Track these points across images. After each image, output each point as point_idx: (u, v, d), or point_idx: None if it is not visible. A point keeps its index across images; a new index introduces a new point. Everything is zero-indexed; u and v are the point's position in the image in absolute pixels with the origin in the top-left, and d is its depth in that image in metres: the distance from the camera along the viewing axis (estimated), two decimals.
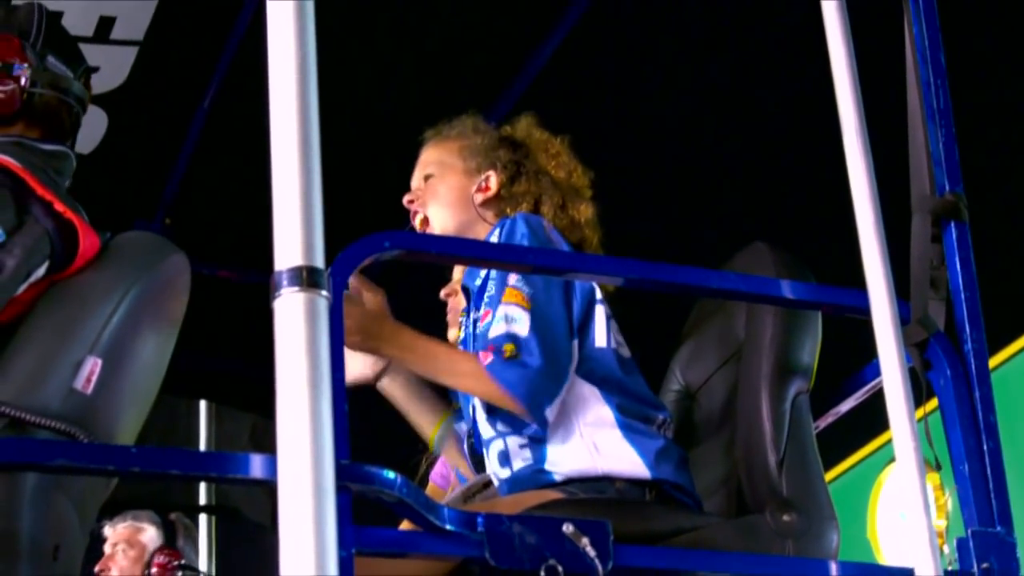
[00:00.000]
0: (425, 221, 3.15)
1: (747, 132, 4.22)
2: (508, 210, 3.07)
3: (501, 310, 2.80)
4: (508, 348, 2.75)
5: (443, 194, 3.14)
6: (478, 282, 3.00)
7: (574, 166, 3.18)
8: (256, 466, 2.10)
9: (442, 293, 3.39)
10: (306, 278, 1.80)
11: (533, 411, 2.75)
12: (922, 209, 2.72)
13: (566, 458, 2.78)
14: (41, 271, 2.43)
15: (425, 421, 3.25)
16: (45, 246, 2.44)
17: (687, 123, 4.28)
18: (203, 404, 6.32)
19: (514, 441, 2.83)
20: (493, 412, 2.85)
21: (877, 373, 2.47)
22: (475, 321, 2.96)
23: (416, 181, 3.21)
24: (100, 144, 4.29)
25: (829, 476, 5.50)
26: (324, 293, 1.81)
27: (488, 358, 2.76)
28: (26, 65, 2.66)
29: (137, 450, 2.10)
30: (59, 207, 2.47)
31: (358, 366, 3.14)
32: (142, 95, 4.20)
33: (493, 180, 3.13)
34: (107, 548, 5.14)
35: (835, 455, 5.50)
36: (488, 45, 4.22)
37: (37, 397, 2.31)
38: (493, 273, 2.93)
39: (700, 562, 2.52)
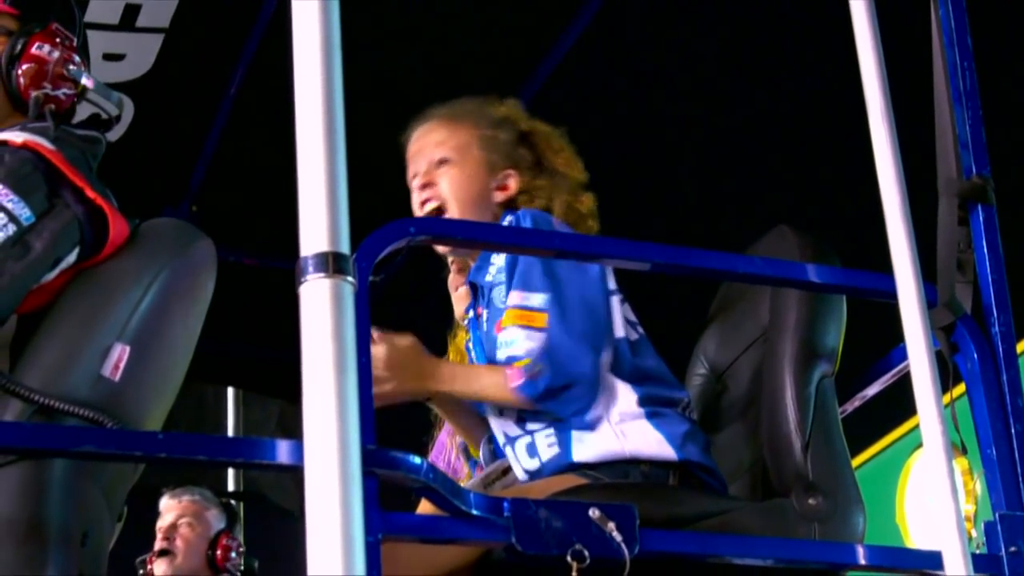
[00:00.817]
0: (438, 212, 3.03)
1: (773, 116, 4.21)
2: (518, 206, 3.02)
3: (511, 331, 2.79)
4: (528, 365, 2.75)
5: (463, 186, 3.03)
6: (488, 278, 2.97)
7: (575, 158, 3.13)
8: (283, 452, 2.10)
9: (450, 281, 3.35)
10: (332, 264, 1.80)
11: (576, 416, 2.76)
12: (949, 192, 2.71)
13: (593, 445, 2.77)
14: (72, 257, 2.44)
15: (475, 434, 3.20)
16: (75, 232, 2.44)
17: (712, 107, 4.27)
18: (230, 391, 6.34)
19: (541, 435, 2.83)
20: (520, 413, 2.85)
21: (904, 357, 2.46)
22: (487, 321, 2.95)
23: (424, 163, 3.07)
24: (126, 132, 4.29)
25: (858, 461, 5.51)
26: (350, 279, 1.81)
27: (517, 377, 2.75)
28: (84, 71, 2.70)
29: (164, 436, 2.11)
30: (90, 193, 2.47)
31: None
32: (168, 83, 4.21)
33: (514, 181, 3.05)
34: (168, 518, 5.05)
35: (864, 440, 5.49)
36: (517, 27, 4.20)
37: (65, 384, 2.31)
38: (501, 276, 2.91)
39: (726, 546, 2.52)
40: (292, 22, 1.89)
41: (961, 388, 2.64)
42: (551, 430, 2.81)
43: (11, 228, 2.35)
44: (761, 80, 4.13)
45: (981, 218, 2.70)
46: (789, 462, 2.76)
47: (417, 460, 2.18)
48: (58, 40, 2.66)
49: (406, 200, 4.03)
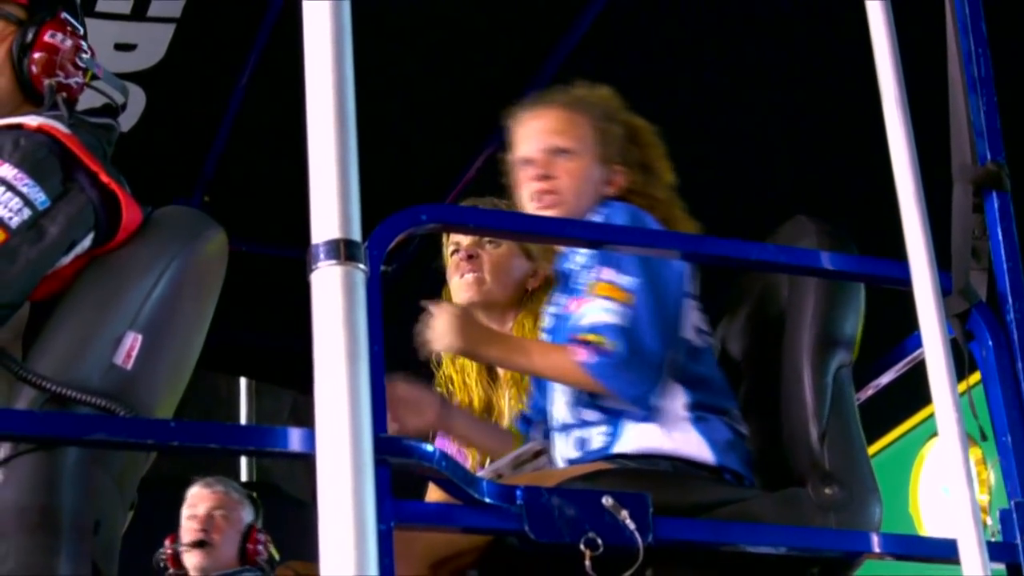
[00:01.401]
0: (553, 202, 2.97)
1: (787, 105, 4.20)
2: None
3: (595, 302, 2.78)
4: (601, 340, 2.73)
5: (581, 178, 2.97)
6: (571, 266, 2.97)
7: (662, 152, 3.09)
8: (295, 440, 2.10)
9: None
10: (343, 251, 1.81)
11: (637, 402, 2.75)
12: (963, 179, 2.70)
13: (636, 439, 2.77)
14: (86, 242, 2.44)
15: (496, 446, 3.19)
16: (89, 216, 2.43)
17: (726, 97, 4.27)
18: (243, 381, 6.35)
19: (595, 430, 2.82)
20: (580, 402, 2.84)
21: (918, 345, 2.46)
22: (563, 307, 2.95)
23: (540, 150, 3.00)
24: (138, 122, 4.30)
25: (871, 450, 5.49)
26: (361, 266, 1.81)
27: (583, 352, 2.73)
28: (100, 69, 2.71)
29: (176, 424, 2.10)
30: (104, 178, 2.46)
31: (418, 417, 3.07)
32: (180, 73, 4.21)
33: (621, 178, 3.00)
34: (201, 508, 5.01)
35: (877, 429, 5.48)
36: (533, 12, 4.19)
37: (78, 372, 2.31)
38: (584, 260, 2.91)
39: (742, 535, 2.52)
40: (303, 11, 1.89)
41: (977, 376, 2.63)
42: (606, 427, 2.81)
43: (26, 212, 2.35)
44: (776, 68, 4.12)
45: (996, 205, 2.68)
46: (806, 451, 2.75)
47: (429, 448, 2.17)
48: (69, 28, 2.66)
49: (418, 189, 4.06)
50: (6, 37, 2.62)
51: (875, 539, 2.59)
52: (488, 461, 3.30)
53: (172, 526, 5.02)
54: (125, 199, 2.48)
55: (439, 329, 2.83)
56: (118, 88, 2.74)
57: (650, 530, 2.38)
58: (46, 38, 2.62)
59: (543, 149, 2.99)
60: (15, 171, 2.37)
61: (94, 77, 2.69)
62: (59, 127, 2.49)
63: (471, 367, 3.43)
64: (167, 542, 4.99)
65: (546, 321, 3.08)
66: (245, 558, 4.97)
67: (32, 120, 2.49)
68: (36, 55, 2.61)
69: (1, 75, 2.61)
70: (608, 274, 2.80)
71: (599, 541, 2.34)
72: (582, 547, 2.33)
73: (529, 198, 2.98)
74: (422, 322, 2.87)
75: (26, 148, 2.41)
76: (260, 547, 5.00)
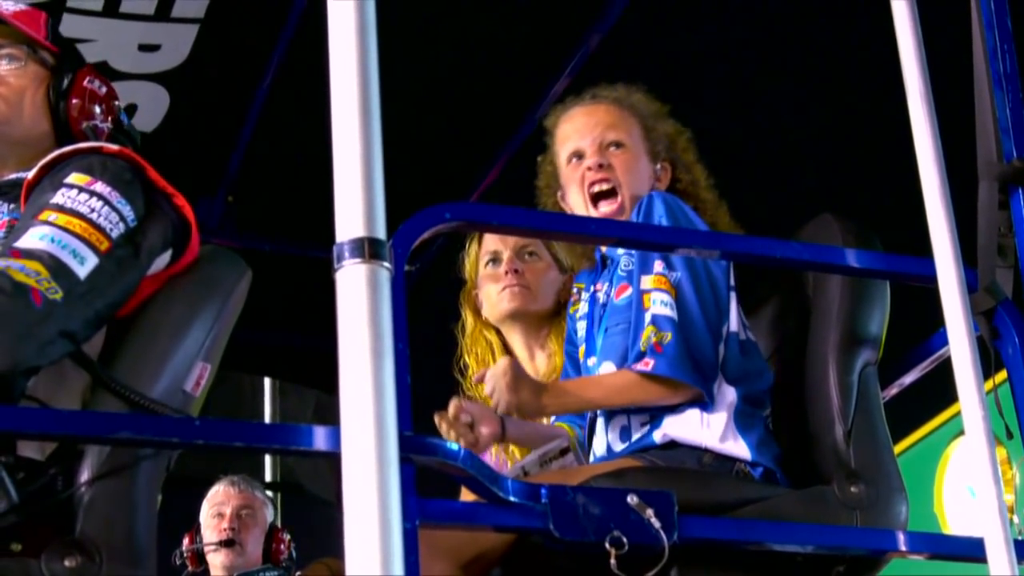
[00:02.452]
0: (611, 193, 3.01)
1: (811, 103, 4.18)
2: None
3: (662, 293, 2.78)
4: (661, 336, 2.74)
5: (635, 171, 3.03)
6: (619, 251, 2.99)
7: (696, 161, 3.16)
8: (320, 438, 2.10)
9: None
10: (368, 250, 1.80)
11: (707, 391, 2.76)
12: (989, 176, 2.69)
13: (674, 429, 2.78)
14: (165, 259, 2.50)
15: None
16: (169, 235, 2.51)
17: (750, 96, 4.25)
18: (267, 381, 6.36)
19: (637, 418, 2.83)
20: None
21: (944, 342, 2.45)
22: (605, 293, 2.96)
23: (594, 143, 3.05)
24: (162, 122, 4.30)
25: (896, 449, 5.48)
26: (386, 264, 1.81)
27: (645, 363, 2.74)
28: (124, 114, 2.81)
29: (201, 422, 2.11)
30: (179, 201, 2.55)
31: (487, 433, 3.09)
32: (203, 73, 4.21)
33: (667, 175, 3.08)
34: (227, 508, 5.02)
35: (902, 428, 5.46)
36: (558, 10, 4.18)
37: (152, 394, 2.36)
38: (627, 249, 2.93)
39: (767, 533, 2.51)
40: (328, 9, 1.88)
41: (1003, 375, 2.61)
42: (647, 414, 2.82)
43: (121, 227, 2.42)
44: (800, 65, 4.11)
45: (1022, 202, 2.67)
46: (831, 450, 2.75)
47: (454, 446, 2.17)
48: (100, 75, 2.76)
49: (444, 188, 4.04)
50: (43, 81, 2.70)
51: (901, 537, 2.59)
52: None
53: (188, 525, 5.04)
54: (194, 224, 2.56)
55: (499, 392, 2.82)
56: (135, 136, 2.84)
57: (675, 528, 2.38)
58: (84, 83, 2.71)
59: (597, 142, 3.05)
60: (109, 188, 2.44)
61: (118, 122, 2.77)
62: (134, 153, 2.57)
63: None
64: (187, 540, 5.00)
65: (581, 308, 3.09)
66: (269, 558, 4.98)
67: (112, 144, 2.57)
68: (74, 100, 2.69)
69: (41, 117, 2.69)
70: (659, 266, 2.83)
71: (624, 540, 2.34)
72: (607, 546, 2.34)
73: (584, 189, 3.02)
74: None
75: (114, 169, 2.48)
76: (283, 547, 5.01)
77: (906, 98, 2.53)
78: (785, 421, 2.89)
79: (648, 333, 2.77)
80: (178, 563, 4.98)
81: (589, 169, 3.02)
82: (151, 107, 4.23)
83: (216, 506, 5.02)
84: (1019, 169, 2.68)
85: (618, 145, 3.04)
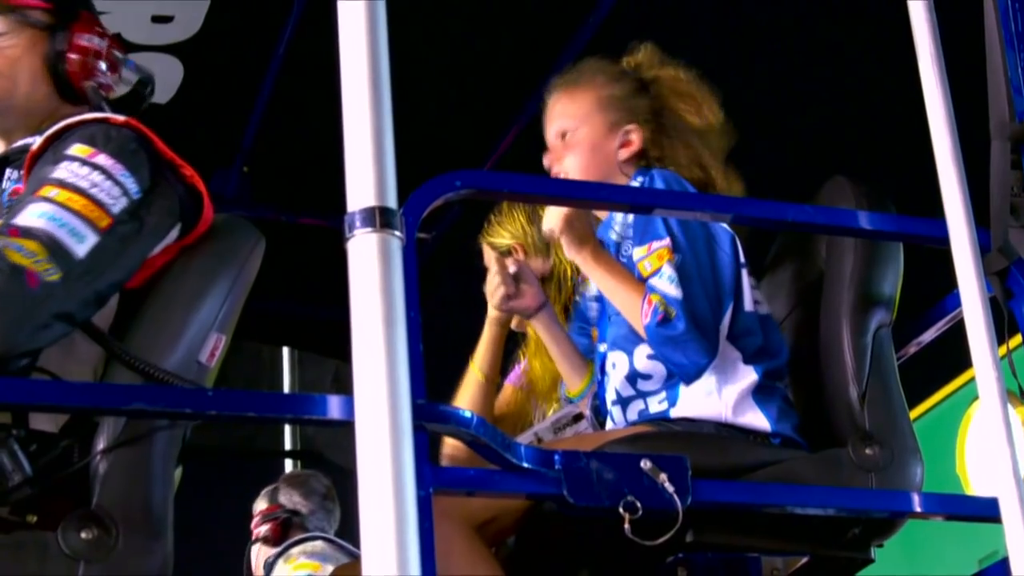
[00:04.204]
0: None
1: (822, 65, 4.17)
2: (651, 161, 3.03)
3: (668, 267, 2.77)
4: (662, 303, 2.73)
5: (583, 151, 3.03)
6: (612, 236, 2.99)
7: (706, 100, 3.11)
8: (334, 407, 2.11)
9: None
10: (379, 218, 1.81)
11: (684, 374, 2.77)
12: (1001, 136, 2.68)
13: (692, 406, 2.79)
14: (174, 233, 2.48)
15: (571, 367, 3.17)
16: (176, 209, 2.48)
17: (761, 60, 4.24)
18: (286, 351, 6.36)
19: (654, 398, 2.84)
20: (638, 375, 2.85)
21: (958, 303, 2.45)
22: None
23: (552, 137, 3.09)
24: (176, 94, 4.30)
25: (918, 411, 5.48)
26: (397, 233, 1.82)
27: (647, 311, 2.74)
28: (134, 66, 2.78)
29: (214, 393, 2.12)
30: (187, 171, 2.52)
31: (526, 300, 3.13)
32: (217, 44, 4.21)
33: (635, 136, 3.04)
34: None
35: (924, 389, 5.46)
36: None
37: (167, 366, 2.35)
38: (629, 232, 2.93)
39: (782, 496, 2.52)
40: None
41: (1019, 339, 2.61)
42: (664, 393, 2.82)
43: (124, 201, 2.39)
44: (809, 26, 4.09)
45: None
46: (846, 412, 2.75)
47: (467, 414, 2.18)
48: (97, 28, 2.71)
49: (458, 156, 4.04)
50: (37, 43, 2.65)
51: (916, 499, 2.59)
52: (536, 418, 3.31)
53: (217, 496, 5.07)
54: (206, 193, 2.53)
55: (555, 216, 2.85)
56: (147, 75, 2.81)
57: (689, 492, 2.38)
58: (81, 42, 2.66)
59: (553, 133, 3.09)
60: (111, 160, 2.41)
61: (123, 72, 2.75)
62: (140, 124, 2.53)
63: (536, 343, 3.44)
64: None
65: (592, 288, 3.09)
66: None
67: (118, 115, 2.54)
68: (72, 58, 2.65)
69: (40, 81, 2.65)
70: (663, 243, 2.80)
71: (638, 504, 2.35)
72: (621, 511, 2.34)
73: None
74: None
75: (119, 140, 2.45)
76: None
77: (917, 60, 2.52)
78: (799, 384, 2.89)
79: (655, 291, 2.76)
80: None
81: (548, 163, 3.08)
82: (165, 79, 4.23)
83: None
84: None
85: (564, 135, 3.06)
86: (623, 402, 2.87)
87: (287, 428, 6.17)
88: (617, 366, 2.89)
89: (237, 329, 2.64)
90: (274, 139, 4.63)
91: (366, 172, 1.84)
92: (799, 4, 4.02)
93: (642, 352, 2.85)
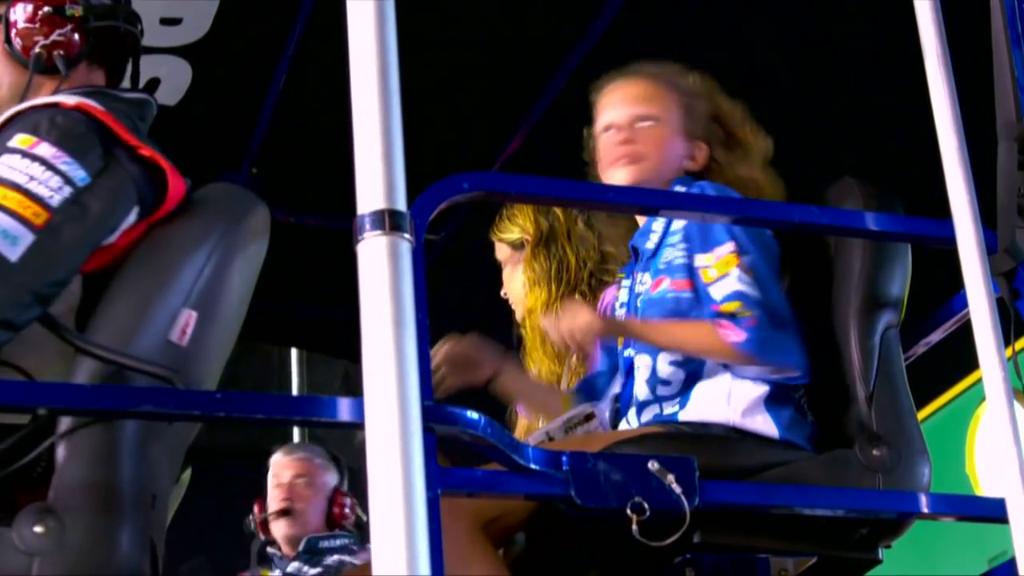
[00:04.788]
0: (633, 161, 3.00)
1: (830, 67, 4.17)
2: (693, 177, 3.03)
3: (737, 270, 2.78)
4: (738, 306, 2.74)
5: (661, 146, 3.01)
6: (649, 245, 2.98)
7: (755, 134, 3.12)
8: (343, 409, 2.11)
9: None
10: (388, 221, 1.82)
11: (795, 368, 2.77)
12: (1008, 136, 2.68)
13: (700, 411, 2.79)
14: (132, 217, 2.44)
15: (550, 411, 3.19)
16: (131, 191, 2.44)
17: (769, 61, 4.24)
18: (295, 352, 6.37)
19: (669, 404, 2.84)
20: (657, 379, 2.85)
21: (966, 304, 2.45)
22: (642, 284, 2.96)
23: (623, 118, 3.04)
24: (185, 95, 4.30)
25: (928, 410, 5.47)
26: (407, 236, 1.82)
27: (730, 329, 2.73)
28: (77, 4, 2.65)
29: (222, 395, 2.11)
30: (144, 151, 2.47)
31: (469, 374, 3.13)
32: (225, 45, 4.21)
33: (701, 154, 3.04)
34: (284, 476, 5.01)
35: (934, 389, 5.45)
36: None
37: (136, 347, 2.31)
38: (677, 238, 2.91)
39: (789, 497, 2.52)
40: None
41: None
42: (679, 398, 2.82)
43: (67, 190, 2.35)
44: (818, 29, 4.09)
45: None
46: (853, 413, 2.75)
47: (475, 415, 2.18)
48: None
49: (467, 158, 4.03)
50: None
51: (923, 499, 2.59)
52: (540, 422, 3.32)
53: (227, 497, 5.07)
54: (169, 168, 2.48)
55: (576, 319, 2.83)
56: (122, 14, 2.72)
57: (696, 494, 2.39)
58: (11, 16, 2.62)
59: (628, 116, 3.04)
60: (54, 149, 2.37)
61: (87, 17, 2.65)
62: (94, 104, 2.48)
63: (541, 339, 3.45)
64: (256, 509, 5.03)
65: (622, 295, 3.09)
66: (332, 522, 5.00)
67: (69, 99, 2.49)
68: (12, 34, 2.62)
69: (6, 65, 2.63)
70: (729, 247, 2.81)
71: (645, 505, 2.35)
72: (628, 512, 2.35)
73: (610, 161, 3.02)
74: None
75: (63, 125, 2.41)
76: (347, 510, 5.01)
77: (924, 60, 2.53)
78: (807, 386, 2.90)
79: (728, 299, 2.76)
80: (250, 529, 4.99)
81: (615, 143, 3.02)
82: (174, 81, 4.23)
83: (274, 476, 5.04)
84: None
85: (648, 119, 3.03)
86: (640, 406, 2.88)
87: (295, 429, 6.18)
88: (640, 369, 2.90)
89: (245, 330, 2.64)
90: (283, 140, 4.63)
91: (375, 175, 1.85)
92: (804, 4, 4.02)
93: (665, 358, 2.85)
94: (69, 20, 2.64)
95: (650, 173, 2.98)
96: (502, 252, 3.60)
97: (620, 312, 3.07)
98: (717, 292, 2.78)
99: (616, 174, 2.99)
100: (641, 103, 3.05)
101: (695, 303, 2.83)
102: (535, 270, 3.46)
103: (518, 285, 3.51)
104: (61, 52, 2.62)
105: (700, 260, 2.83)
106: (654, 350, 2.86)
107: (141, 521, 2.26)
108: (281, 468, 5.05)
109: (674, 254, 2.91)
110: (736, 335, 2.72)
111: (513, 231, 3.55)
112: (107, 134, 2.45)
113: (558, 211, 3.48)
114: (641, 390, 2.88)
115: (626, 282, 3.08)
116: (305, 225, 4.89)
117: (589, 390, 3.14)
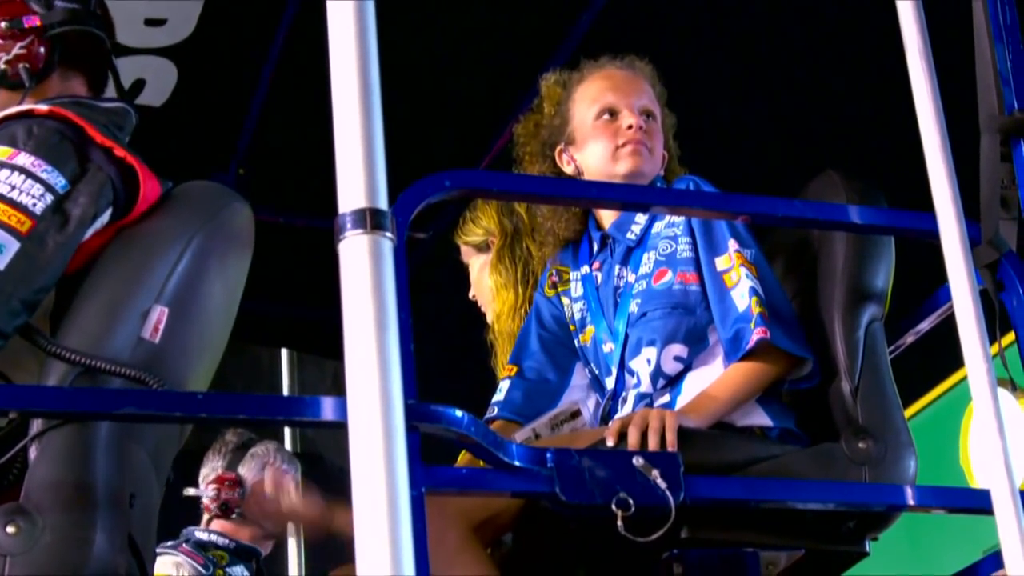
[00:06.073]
0: (647, 156, 3.03)
1: (812, 60, 4.17)
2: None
3: (742, 279, 2.79)
4: (762, 309, 2.75)
5: (660, 142, 3.09)
6: (630, 235, 2.99)
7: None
8: (326, 408, 2.11)
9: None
10: (370, 220, 1.81)
11: (807, 356, 2.78)
12: (991, 128, 2.69)
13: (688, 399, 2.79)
14: (105, 216, 2.44)
15: None
16: (108, 191, 2.44)
17: (751, 54, 4.25)
18: (284, 352, 6.36)
19: (661, 396, 2.85)
20: (659, 373, 2.85)
21: (950, 296, 2.46)
22: (621, 277, 2.97)
23: (638, 111, 3.05)
24: (171, 96, 4.31)
25: (922, 403, 5.48)
26: (388, 235, 1.82)
27: (758, 332, 2.73)
28: (34, 15, 2.63)
29: (204, 396, 2.11)
30: (119, 152, 2.47)
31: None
32: (211, 46, 4.21)
33: (666, 160, 3.12)
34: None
35: (927, 382, 5.46)
36: None
37: (107, 347, 2.31)
38: (675, 231, 2.93)
39: (775, 491, 2.53)
40: None
41: (1011, 336, 2.62)
42: (672, 389, 2.84)
43: (48, 197, 2.36)
44: (798, 20, 4.09)
45: None
46: (839, 406, 2.76)
47: (458, 413, 2.18)
48: None
49: (452, 157, 4.02)
50: None
51: (909, 492, 2.60)
52: None
53: None
54: (142, 170, 2.49)
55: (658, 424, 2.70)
56: (89, 18, 2.69)
57: (682, 489, 2.39)
58: None
59: (637, 106, 3.05)
60: (32, 158, 2.38)
61: (48, 26, 2.62)
62: (69, 111, 2.49)
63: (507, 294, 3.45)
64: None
65: (574, 288, 3.08)
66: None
67: (42, 106, 2.49)
68: None
69: None
70: (733, 245, 2.83)
71: (631, 501, 2.35)
72: (614, 508, 2.35)
73: (622, 144, 3.01)
74: None
75: (40, 135, 2.42)
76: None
77: (905, 53, 2.53)
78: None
79: (754, 303, 2.76)
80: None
81: (630, 128, 3.01)
82: (159, 82, 4.24)
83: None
84: (1021, 121, 2.67)
85: (652, 116, 3.06)
86: (642, 399, 2.88)
87: (287, 430, 6.17)
88: (643, 364, 2.90)
89: (235, 331, 2.63)
90: (269, 141, 4.63)
91: (356, 174, 1.84)
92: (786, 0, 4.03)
93: (670, 354, 2.86)
94: (29, 32, 2.63)
95: (654, 169, 3.03)
96: (467, 255, 3.59)
97: (577, 305, 3.07)
98: (737, 296, 2.79)
99: (628, 160, 3.00)
100: (647, 98, 3.08)
101: (702, 298, 2.85)
102: (501, 274, 3.44)
103: (485, 288, 3.50)
104: (26, 65, 2.61)
105: (720, 263, 2.85)
106: (660, 344, 2.86)
107: (117, 520, 2.25)
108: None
109: (676, 246, 2.92)
110: (761, 334, 2.72)
111: (477, 232, 3.54)
112: (82, 138, 2.45)
113: (520, 210, 3.45)
114: (645, 383, 2.88)
115: (574, 273, 3.08)
116: (293, 225, 4.89)
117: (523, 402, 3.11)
